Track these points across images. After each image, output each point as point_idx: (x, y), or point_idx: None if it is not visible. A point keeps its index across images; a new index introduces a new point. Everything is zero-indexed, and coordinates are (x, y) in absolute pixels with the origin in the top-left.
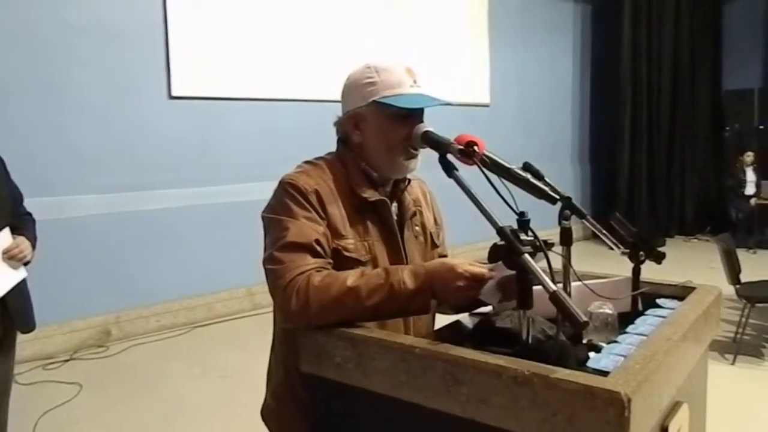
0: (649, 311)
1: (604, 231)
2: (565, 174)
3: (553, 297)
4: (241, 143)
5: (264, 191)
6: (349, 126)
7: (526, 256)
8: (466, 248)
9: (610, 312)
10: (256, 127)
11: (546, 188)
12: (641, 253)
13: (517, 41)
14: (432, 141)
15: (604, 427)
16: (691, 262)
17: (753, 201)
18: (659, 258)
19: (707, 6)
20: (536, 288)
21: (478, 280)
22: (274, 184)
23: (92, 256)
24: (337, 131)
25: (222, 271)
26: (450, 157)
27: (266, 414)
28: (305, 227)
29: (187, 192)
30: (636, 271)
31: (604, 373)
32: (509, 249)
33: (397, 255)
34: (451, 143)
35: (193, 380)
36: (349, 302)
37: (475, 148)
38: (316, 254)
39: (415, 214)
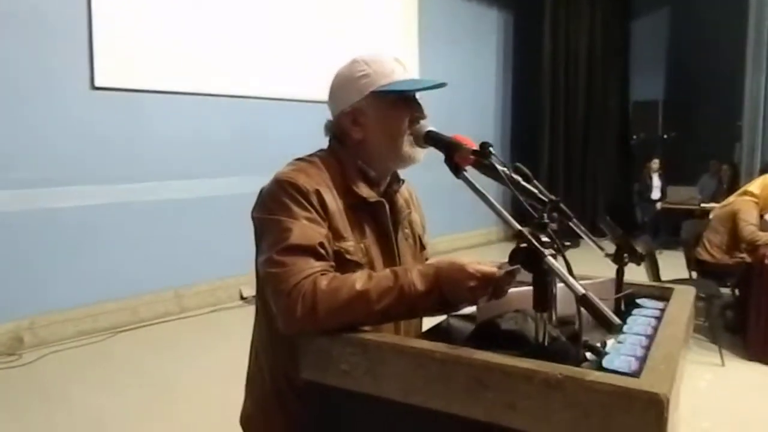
0: (635, 311)
1: (589, 234)
2: (481, 176)
3: (583, 300)
4: (168, 139)
5: (190, 189)
6: (346, 123)
7: (549, 258)
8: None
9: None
10: (185, 123)
11: (535, 191)
12: (625, 255)
13: (444, 48)
14: (437, 140)
15: (643, 429)
16: (607, 261)
17: (659, 205)
18: (640, 260)
19: (617, 21)
20: (520, 289)
21: (488, 280)
22: (201, 183)
23: (2, 256)
24: (329, 132)
25: (146, 273)
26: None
27: (249, 424)
28: (307, 229)
29: (109, 189)
30: (620, 273)
31: (625, 374)
32: (530, 251)
33: (390, 258)
34: (461, 144)
35: (115, 390)
36: (358, 306)
37: (491, 149)
38: (319, 257)
39: (407, 215)
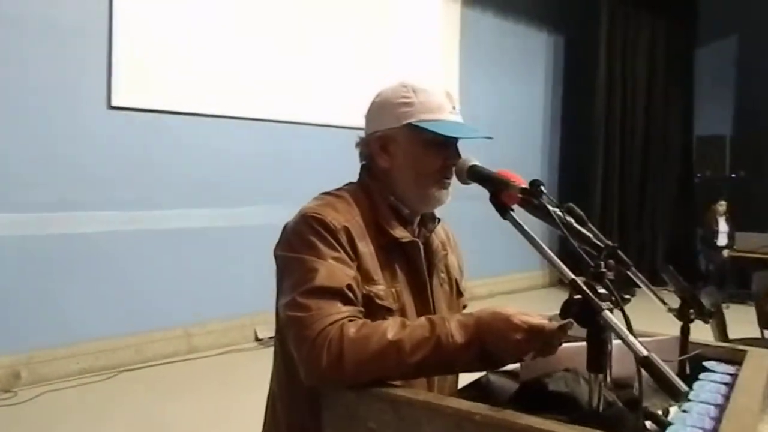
0: (703, 376)
1: (649, 285)
2: (523, 211)
3: (645, 361)
4: (187, 164)
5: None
6: (375, 148)
7: (607, 313)
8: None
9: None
10: (205, 148)
11: (590, 235)
12: (691, 311)
13: (488, 70)
14: (482, 177)
15: None
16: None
17: (725, 252)
18: (708, 316)
19: (680, 48)
20: (570, 345)
21: (537, 333)
22: (221, 212)
23: (2, 284)
24: (361, 156)
25: (156, 308)
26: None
27: None
28: (335, 270)
29: (120, 215)
30: (685, 331)
31: None
32: (585, 304)
33: (424, 304)
34: (509, 181)
35: None
36: (390, 358)
37: (542, 188)
38: (347, 301)
39: (443, 258)
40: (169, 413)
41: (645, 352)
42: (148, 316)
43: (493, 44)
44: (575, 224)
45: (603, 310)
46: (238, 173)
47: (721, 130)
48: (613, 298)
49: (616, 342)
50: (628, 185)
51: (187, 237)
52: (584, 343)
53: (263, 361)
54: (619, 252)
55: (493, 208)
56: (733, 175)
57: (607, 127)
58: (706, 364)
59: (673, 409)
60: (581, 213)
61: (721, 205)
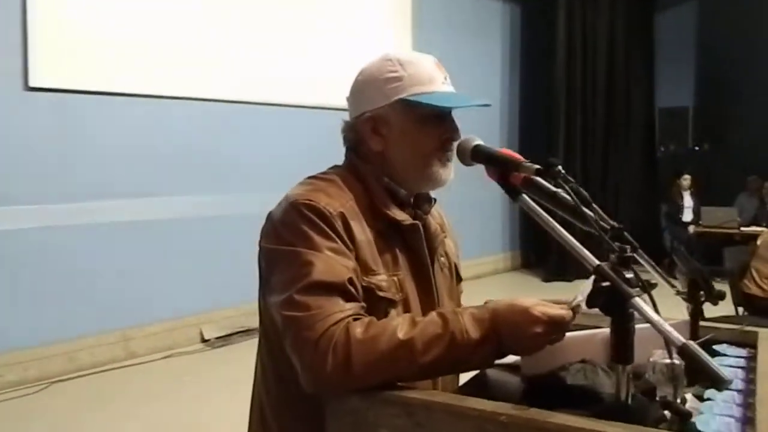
0: (715, 359)
1: (656, 267)
2: (491, 194)
3: (684, 350)
4: (114, 151)
5: (147, 210)
6: (365, 131)
7: (638, 300)
8: None
9: (677, 362)
10: (135, 131)
11: (595, 216)
12: (701, 293)
13: (442, 37)
14: (489, 157)
15: None
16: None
17: (691, 228)
18: (718, 299)
19: (641, 15)
20: (575, 334)
21: (557, 325)
22: (157, 202)
23: None
24: (346, 139)
25: (88, 311)
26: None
27: None
28: (333, 262)
29: (44, 209)
30: (696, 314)
31: None
32: (614, 292)
33: (427, 293)
34: (522, 161)
35: None
36: (401, 358)
37: (560, 168)
38: (349, 297)
39: (441, 241)
40: (105, 426)
41: (683, 340)
42: (81, 319)
43: (447, 10)
44: (580, 205)
45: (633, 297)
46: (175, 159)
47: (683, 101)
48: (641, 285)
49: (594, 330)
50: (589, 160)
51: (122, 231)
52: (589, 332)
53: (211, 365)
54: (626, 233)
55: (449, 191)
56: (697, 148)
57: (568, 100)
58: (717, 348)
59: (689, 397)
60: (586, 194)
61: (686, 179)
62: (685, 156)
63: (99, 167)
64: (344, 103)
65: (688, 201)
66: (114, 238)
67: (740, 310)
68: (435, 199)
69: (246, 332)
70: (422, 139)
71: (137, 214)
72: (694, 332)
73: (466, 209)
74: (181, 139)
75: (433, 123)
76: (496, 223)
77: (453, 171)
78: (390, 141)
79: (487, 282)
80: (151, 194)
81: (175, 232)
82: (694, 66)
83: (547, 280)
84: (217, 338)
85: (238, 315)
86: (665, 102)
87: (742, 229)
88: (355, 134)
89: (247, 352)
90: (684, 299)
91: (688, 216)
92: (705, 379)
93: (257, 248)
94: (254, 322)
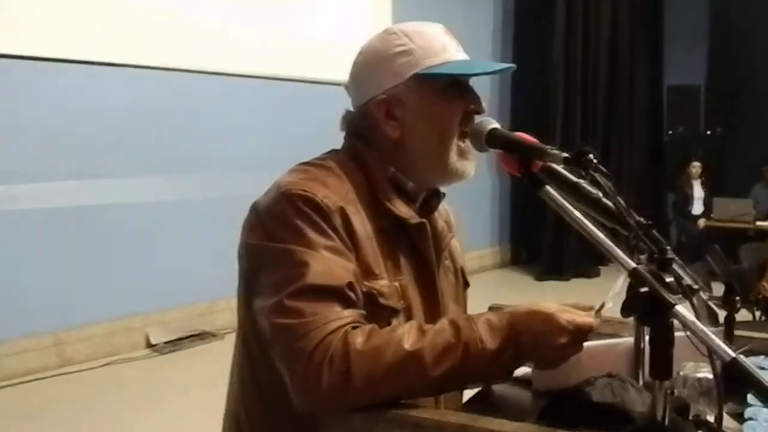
0: None
1: (686, 269)
2: (478, 183)
3: (734, 365)
4: (51, 124)
5: (76, 195)
6: (378, 116)
7: (680, 308)
8: None
9: (709, 376)
10: (69, 102)
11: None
12: (737, 297)
13: (426, 7)
14: (510, 143)
15: None
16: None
17: (701, 222)
18: (756, 305)
19: None
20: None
21: (584, 334)
22: (94, 184)
23: None
24: (350, 127)
25: (15, 310)
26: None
27: None
28: (331, 263)
29: None
30: (731, 322)
31: None
32: (655, 300)
33: (432, 301)
34: (546, 148)
35: None
36: (409, 372)
37: (591, 156)
38: (348, 302)
39: (448, 242)
40: None
41: (732, 354)
42: (6, 321)
43: None
44: (603, 198)
45: (675, 305)
46: (114, 137)
47: (694, 79)
48: (683, 290)
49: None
50: (590, 144)
51: (55, 218)
52: (610, 342)
53: (159, 373)
54: (654, 231)
55: None
56: (708, 132)
57: (567, 78)
58: (751, 359)
59: (724, 415)
60: (610, 186)
61: (695, 167)
62: (695, 140)
63: (32, 144)
64: (322, 76)
65: (698, 191)
66: (45, 227)
67: (757, 314)
68: (444, 194)
69: (199, 336)
70: (443, 117)
71: (70, 198)
72: (729, 342)
73: (449, 198)
74: (123, 115)
75: (453, 96)
76: (483, 214)
77: (474, 165)
78: (407, 125)
79: (472, 280)
80: (88, 176)
81: (115, 220)
82: (708, 39)
83: (540, 278)
84: (166, 343)
85: (191, 316)
86: (674, 79)
87: (758, 223)
88: (367, 122)
89: (201, 358)
90: (717, 305)
91: (697, 208)
92: (760, 396)
93: (213, 238)
94: (209, 324)
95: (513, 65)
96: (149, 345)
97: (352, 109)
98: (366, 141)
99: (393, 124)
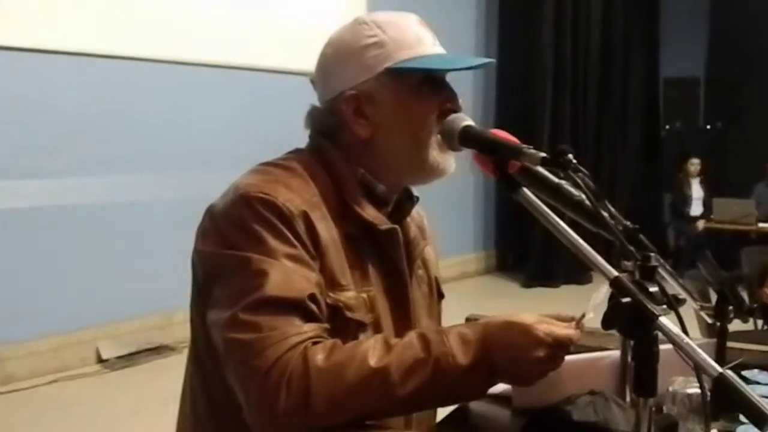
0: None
1: (676, 276)
2: (460, 182)
3: (722, 382)
4: None
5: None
6: (347, 114)
7: (664, 320)
8: None
9: (698, 391)
10: (9, 92)
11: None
12: (730, 308)
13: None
14: (484, 142)
15: None
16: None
17: (700, 224)
18: (749, 314)
19: None
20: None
21: (564, 348)
22: (38, 185)
23: None
24: (316, 125)
25: None
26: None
27: None
28: (292, 273)
29: None
30: (723, 334)
31: None
32: (637, 310)
33: (403, 314)
34: (525, 148)
35: None
36: (374, 391)
37: (570, 156)
38: (309, 316)
39: (421, 251)
40: None
41: (719, 369)
42: None
43: None
44: (587, 201)
45: (659, 316)
46: (60, 132)
47: (693, 70)
48: (667, 301)
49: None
50: (580, 141)
51: None
52: (594, 356)
53: (111, 391)
54: (641, 236)
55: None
56: (708, 127)
57: (556, 70)
58: (746, 374)
59: None
60: (594, 188)
61: (694, 165)
62: (694, 136)
63: None
64: (290, 66)
65: (696, 191)
66: None
67: (759, 323)
68: (417, 198)
69: (155, 350)
70: (419, 112)
71: (7, 200)
72: (720, 355)
73: (427, 199)
74: (66, 107)
75: (428, 92)
76: (465, 216)
77: (454, 159)
78: (379, 123)
79: (453, 288)
80: (26, 175)
81: (62, 223)
82: (707, 27)
83: (527, 285)
84: (118, 358)
85: (145, 329)
86: (672, 71)
87: (761, 225)
88: (335, 119)
89: (156, 375)
90: (709, 315)
91: (696, 209)
92: (749, 416)
93: (170, 243)
94: (166, 337)
95: (493, 60)
96: (100, 360)
97: (318, 104)
98: (333, 140)
99: (362, 123)
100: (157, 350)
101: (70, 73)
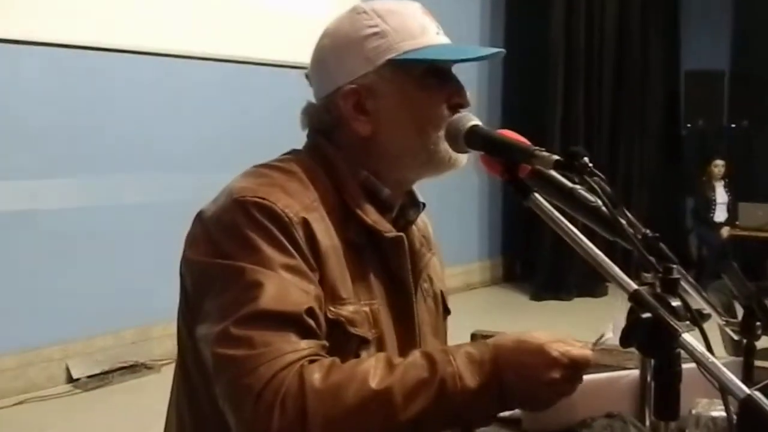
0: None
1: (699, 288)
2: (464, 185)
3: (748, 404)
4: None
5: None
6: (346, 109)
7: (687, 337)
8: None
9: (724, 414)
10: None
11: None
12: (758, 323)
13: None
14: (493, 143)
15: None
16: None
17: (725, 231)
18: None
19: None
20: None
21: (580, 369)
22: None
23: None
24: (313, 123)
25: None
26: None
27: None
28: (289, 285)
29: None
30: (749, 351)
31: None
32: (658, 327)
33: (408, 330)
34: (534, 150)
35: None
36: (374, 415)
37: (586, 159)
38: (306, 332)
39: (427, 261)
40: None
41: (746, 391)
42: None
43: None
44: (603, 208)
45: (682, 332)
46: (17, 127)
47: (718, 63)
48: (690, 316)
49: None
50: (594, 140)
51: None
52: (612, 375)
53: (82, 413)
54: (662, 245)
55: None
56: (734, 126)
57: (567, 66)
58: None
59: None
60: (611, 193)
61: (718, 166)
62: (718, 135)
63: None
64: (279, 57)
65: (721, 195)
66: None
67: None
68: (424, 204)
69: (130, 368)
70: (424, 108)
71: None
72: (748, 375)
73: (427, 203)
74: (28, 102)
75: (433, 85)
76: (469, 222)
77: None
78: (381, 119)
79: (456, 301)
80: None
81: (26, 229)
82: (732, 17)
83: (537, 297)
84: (90, 377)
85: (120, 345)
86: (694, 63)
87: None
88: (332, 116)
89: (132, 395)
90: (735, 331)
91: (720, 214)
92: None
93: (147, 251)
94: (142, 354)
95: (502, 50)
96: (70, 380)
97: (314, 101)
98: (330, 139)
99: (363, 119)
100: (132, 368)
101: (40, 67)
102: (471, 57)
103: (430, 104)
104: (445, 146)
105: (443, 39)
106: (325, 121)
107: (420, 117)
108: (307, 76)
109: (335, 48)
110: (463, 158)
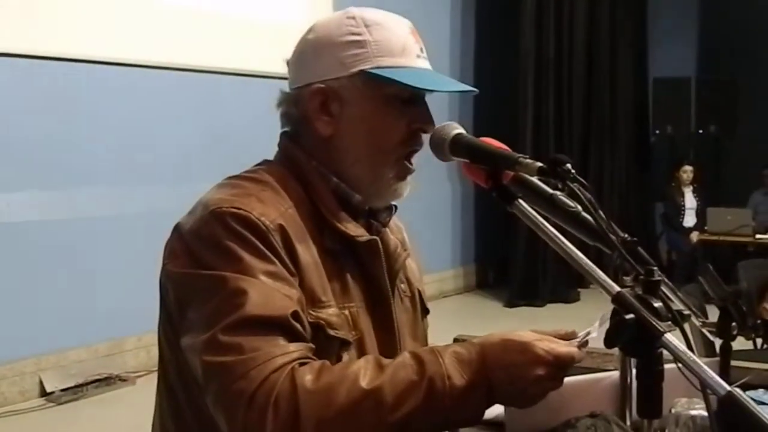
0: None
1: (677, 291)
2: (436, 192)
3: (729, 401)
4: None
5: None
6: (311, 106)
7: (669, 337)
8: None
9: (705, 413)
10: None
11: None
12: (734, 324)
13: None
14: (477, 151)
15: None
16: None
17: (694, 236)
18: (754, 331)
19: None
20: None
21: (565, 367)
22: None
23: None
24: (286, 119)
25: None
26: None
27: None
28: (272, 290)
29: None
30: (727, 352)
31: None
32: (642, 327)
33: (387, 331)
34: (518, 157)
35: None
36: (366, 415)
37: (568, 166)
38: (293, 335)
39: (402, 263)
40: None
41: (727, 387)
42: None
43: None
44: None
45: (664, 333)
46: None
47: (684, 70)
48: (672, 317)
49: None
50: (566, 148)
51: None
52: (594, 376)
53: (55, 427)
54: (640, 249)
55: None
56: (701, 131)
57: (537, 71)
58: (749, 394)
59: None
60: (591, 198)
61: (687, 172)
62: (686, 141)
63: None
64: (252, 67)
65: (690, 200)
66: None
67: (758, 342)
68: (395, 207)
69: (105, 381)
70: (385, 126)
71: None
72: (724, 374)
73: (400, 211)
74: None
75: (401, 108)
76: (442, 229)
77: (409, 186)
78: (341, 124)
79: (431, 308)
80: None
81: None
82: (698, 25)
83: (511, 304)
84: (64, 390)
85: (93, 358)
86: (662, 71)
87: (758, 236)
88: (298, 110)
89: (107, 408)
90: (712, 332)
91: (689, 219)
92: None
93: (121, 263)
94: (116, 366)
95: (475, 89)
96: (43, 393)
97: (288, 90)
98: (302, 145)
99: (325, 120)
100: (107, 381)
101: (12, 78)
102: (439, 89)
103: (391, 126)
104: (390, 175)
105: (423, 63)
106: (292, 115)
107: (378, 135)
108: (287, 63)
109: (316, 45)
110: (405, 192)
